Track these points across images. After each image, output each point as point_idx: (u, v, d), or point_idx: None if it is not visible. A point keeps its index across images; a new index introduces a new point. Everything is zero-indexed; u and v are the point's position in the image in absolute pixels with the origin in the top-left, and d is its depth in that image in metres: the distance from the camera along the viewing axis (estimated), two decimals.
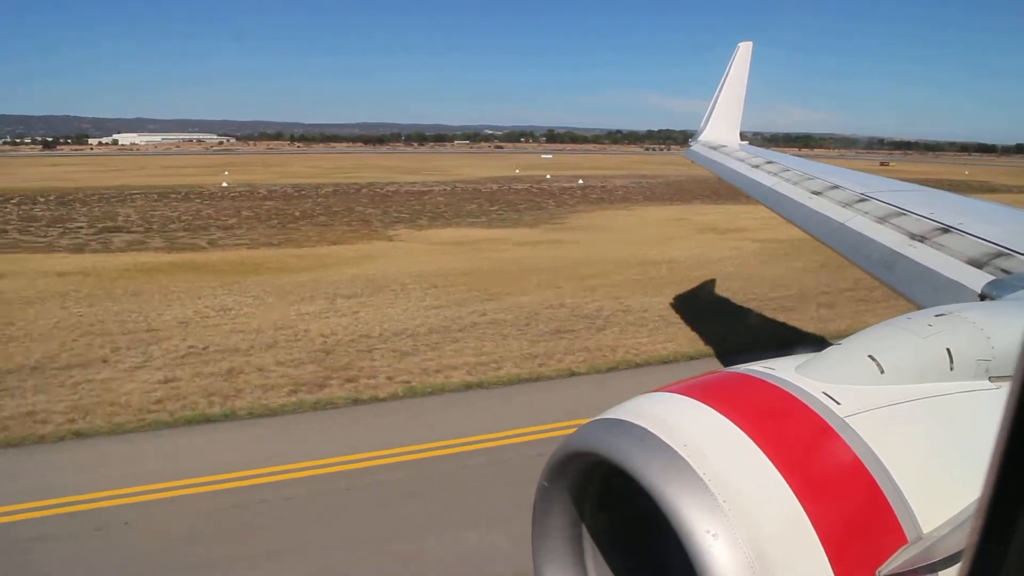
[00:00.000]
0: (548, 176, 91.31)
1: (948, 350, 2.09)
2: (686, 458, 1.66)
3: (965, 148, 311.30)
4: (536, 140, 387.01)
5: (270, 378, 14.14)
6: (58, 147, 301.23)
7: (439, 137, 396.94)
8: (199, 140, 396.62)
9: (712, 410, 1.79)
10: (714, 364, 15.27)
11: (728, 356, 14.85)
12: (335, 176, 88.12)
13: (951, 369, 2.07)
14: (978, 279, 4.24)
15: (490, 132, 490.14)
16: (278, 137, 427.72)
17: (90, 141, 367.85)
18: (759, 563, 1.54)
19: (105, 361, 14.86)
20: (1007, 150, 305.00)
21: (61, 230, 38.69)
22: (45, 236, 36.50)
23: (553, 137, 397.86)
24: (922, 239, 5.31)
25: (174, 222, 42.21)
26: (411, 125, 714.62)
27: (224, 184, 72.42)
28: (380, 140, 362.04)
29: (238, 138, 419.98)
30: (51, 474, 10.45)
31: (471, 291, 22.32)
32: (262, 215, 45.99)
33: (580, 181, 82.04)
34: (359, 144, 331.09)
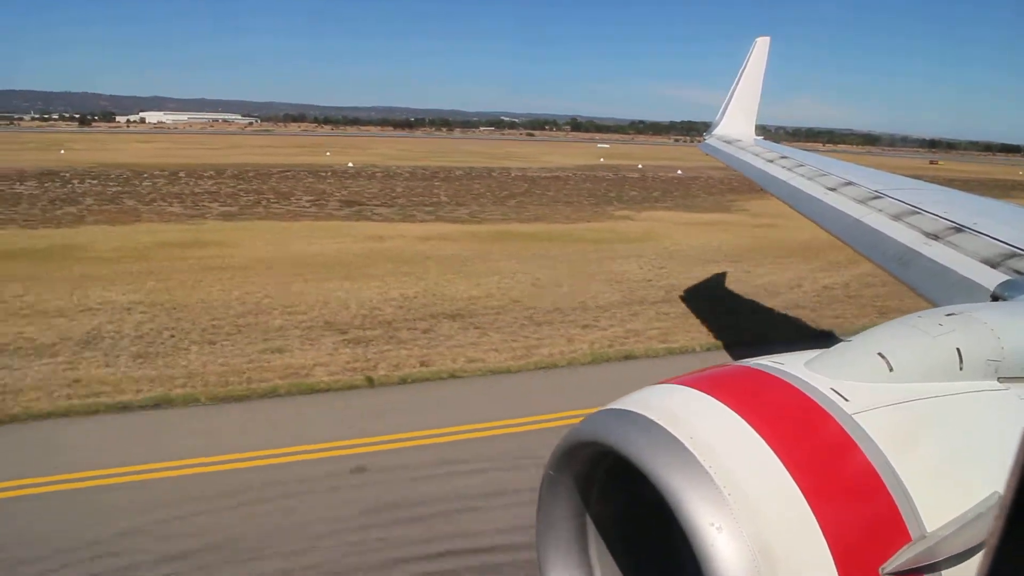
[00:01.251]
0: (640, 166, 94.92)
1: (958, 350, 2.10)
2: (692, 450, 1.68)
3: (989, 148, 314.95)
4: (559, 128, 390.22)
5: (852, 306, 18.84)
6: (92, 124, 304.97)
7: (464, 123, 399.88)
8: (225, 120, 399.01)
9: (719, 403, 1.81)
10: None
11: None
12: (436, 160, 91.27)
13: (960, 369, 2.08)
14: (992, 279, 4.24)
15: (506, 119, 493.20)
16: (301, 119, 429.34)
17: (118, 119, 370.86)
18: (762, 557, 1.56)
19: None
20: None
21: (309, 202, 42.56)
22: (302, 207, 40.30)
23: (577, 126, 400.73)
24: (936, 238, 5.35)
25: (397, 198, 46.04)
26: (426, 110, 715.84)
27: (350, 164, 76.20)
28: (408, 124, 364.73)
29: (262, 119, 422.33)
30: None
31: (812, 261, 26.40)
32: (459, 194, 49.81)
33: (679, 172, 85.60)
34: (388, 128, 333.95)
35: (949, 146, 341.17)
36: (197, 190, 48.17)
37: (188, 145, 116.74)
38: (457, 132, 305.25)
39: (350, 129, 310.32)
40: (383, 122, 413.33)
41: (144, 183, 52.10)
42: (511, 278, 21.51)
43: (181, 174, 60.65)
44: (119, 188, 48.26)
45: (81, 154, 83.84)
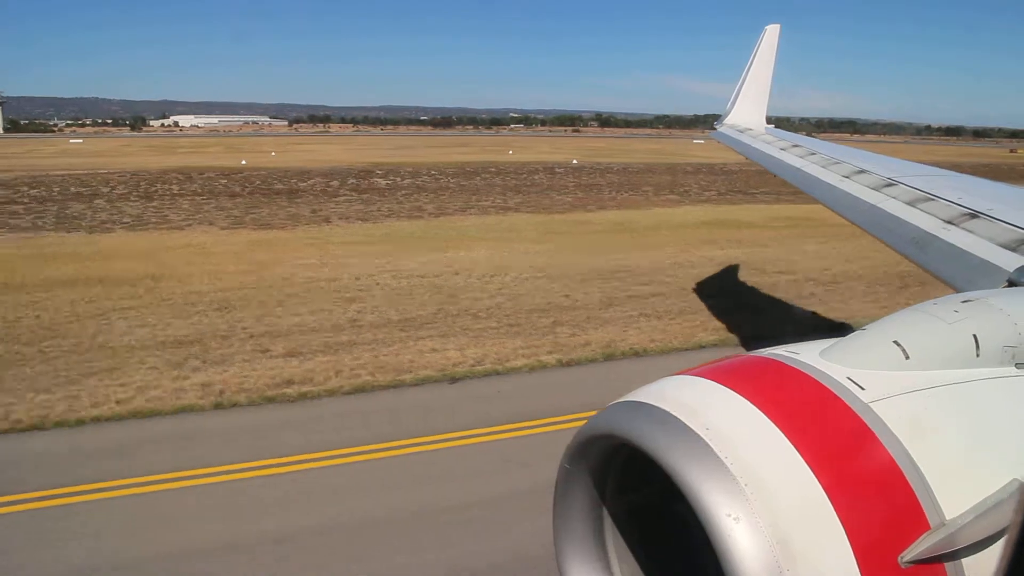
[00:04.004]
0: None
1: (974, 336, 2.10)
2: (708, 441, 1.69)
3: (1015, 135, 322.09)
4: (586, 124, 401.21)
5: None
6: (142, 128, 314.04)
7: (495, 121, 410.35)
8: (254, 123, 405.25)
9: (734, 394, 1.83)
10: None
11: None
12: (598, 157, 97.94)
13: (977, 355, 2.07)
14: (1009, 263, 4.26)
15: (515, 115, 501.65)
16: (326, 120, 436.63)
17: (151, 123, 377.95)
18: (780, 547, 1.56)
19: None
20: None
21: (704, 193, 53.77)
22: (716, 196, 51.76)
23: (605, 122, 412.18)
24: (951, 223, 5.36)
25: (741, 187, 57.69)
26: (435, 108, 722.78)
27: (574, 161, 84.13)
28: (447, 123, 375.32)
29: (292, 121, 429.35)
30: None
31: None
32: (734, 183, 61.19)
33: None
34: (429, 128, 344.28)
35: (975, 133, 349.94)
36: (579, 183, 57.36)
37: (356, 147, 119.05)
38: (502, 131, 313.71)
39: (401, 128, 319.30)
40: (409, 121, 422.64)
41: (484, 178, 59.92)
42: None
43: (413, 173, 64.38)
44: (512, 181, 56.37)
45: (307, 155, 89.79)
